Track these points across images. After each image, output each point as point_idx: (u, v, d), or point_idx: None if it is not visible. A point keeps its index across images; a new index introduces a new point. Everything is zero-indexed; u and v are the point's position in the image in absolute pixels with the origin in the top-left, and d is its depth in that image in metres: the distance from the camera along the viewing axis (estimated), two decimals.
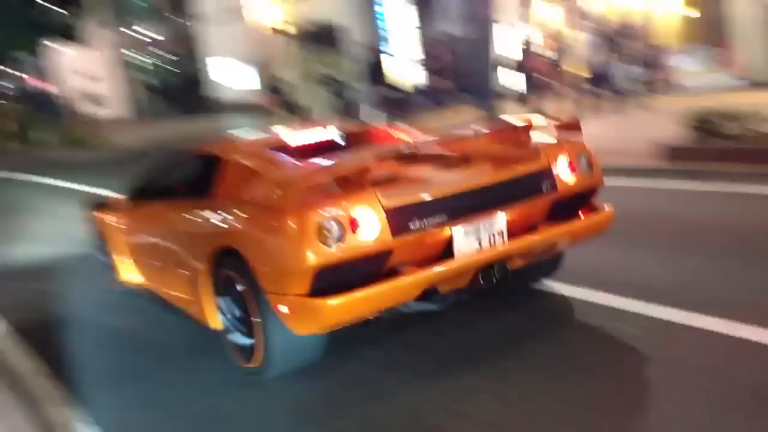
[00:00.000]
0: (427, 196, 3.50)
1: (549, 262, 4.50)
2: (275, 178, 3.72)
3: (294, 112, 18.51)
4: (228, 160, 4.21)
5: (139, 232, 5.14)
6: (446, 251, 3.57)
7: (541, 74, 14.08)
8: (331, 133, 4.67)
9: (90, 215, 6.01)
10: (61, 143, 24.38)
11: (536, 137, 4.16)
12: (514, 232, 3.75)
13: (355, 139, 4.61)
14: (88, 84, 36.46)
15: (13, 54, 27.37)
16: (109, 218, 5.65)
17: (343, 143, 4.56)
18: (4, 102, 36.30)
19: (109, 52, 34.67)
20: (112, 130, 27.33)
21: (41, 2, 22.96)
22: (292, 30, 24.48)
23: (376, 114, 15.61)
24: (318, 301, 3.23)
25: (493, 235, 3.67)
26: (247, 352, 3.83)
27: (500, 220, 3.68)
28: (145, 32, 33.89)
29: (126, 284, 5.55)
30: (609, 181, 4.46)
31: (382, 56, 15.97)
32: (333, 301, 3.22)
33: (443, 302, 3.97)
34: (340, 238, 3.22)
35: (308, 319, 3.33)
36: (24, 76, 37.53)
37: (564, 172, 3.96)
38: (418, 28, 17.74)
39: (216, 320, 4.08)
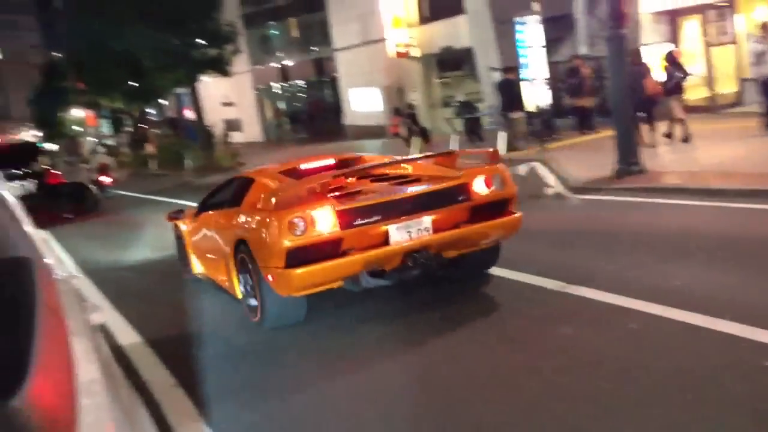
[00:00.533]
0: (368, 202, 5.10)
1: (489, 253, 5.92)
2: (271, 192, 5.29)
3: (423, 136, 18.45)
4: (252, 180, 6.02)
5: (199, 234, 6.76)
6: (384, 241, 5.08)
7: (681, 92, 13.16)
8: (325, 161, 6.57)
9: (170, 222, 7.69)
10: (202, 167, 25.74)
11: (463, 163, 5.91)
12: (439, 228, 5.24)
13: (341, 164, 6.49)
14: (229, 111, 38.49)
15: (168, 87, 29.47)
16: (182, 224, 7.42)
17: (333, 166, 6.45)
18: (158, 131, 39.09)
19: (250, 81, 36.41)
20: (249, 154, 28.55)
21: (199, 42, 24.59)
22: (424, 55, 24.65)
23: (511, 138, 15.22)
24: (290, 271, 4.80)
25: (420, 230, 5.16)
26: (254, 310, 5.45)
27: (426, 220, 5.18)
28: (283, 61, 35.33)
29: (195, 274, 7.16)
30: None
31: (518, 79, 15.56)
32: (299, 271, 4.80)
33: (392, 279, 5.16)
34: (305, 230, 4.78)
35: (284, 283, 4.90)
36: (173, 106, 40.26)
37: (480, 187, 5.42)
38: (551, 50, 17.22)
39: (239, 291, 5.70)
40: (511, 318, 5.02)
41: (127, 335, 5.68)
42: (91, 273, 8.59)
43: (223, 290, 6.34)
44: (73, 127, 57.47)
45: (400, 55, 24.99)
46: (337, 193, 5.30)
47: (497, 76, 17.70)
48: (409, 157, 6.14)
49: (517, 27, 14.38)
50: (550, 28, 16.40)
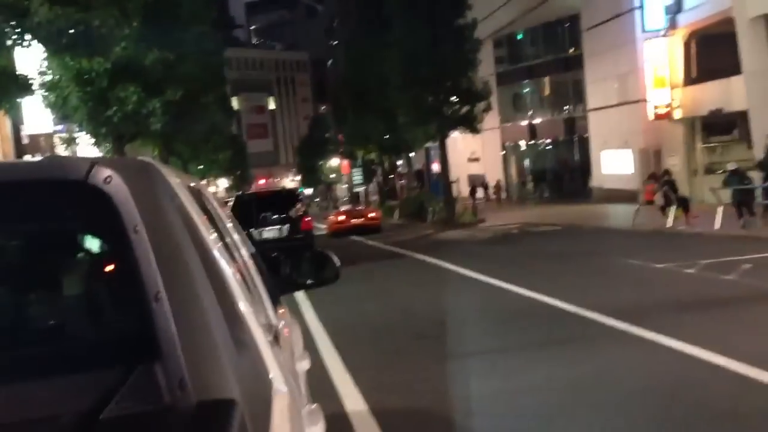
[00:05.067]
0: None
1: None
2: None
3: (683, 205, 16.83)
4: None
5: None
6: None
7: None
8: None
9: None
10: (443, 221, 26.03)
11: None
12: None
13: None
14: (474, 167, 38.90)
15: (423, 143, 30.67)
16: None
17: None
18: (405, 183, 40.70)
19: (498, 138, 36.54)
20: (491, 211, 28.41)
21: (452, 99, 25.36)
22: (687, 117, 22.84)
23: None
24: None
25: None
26: None
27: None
28: (532, 119, 35.02)
29: None
30: None
31: None
32: None
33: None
34: None
35: None
36: (425, 160, 41.70)
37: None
38: None
39: None
40: None
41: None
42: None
43: None
44: (330, 175, 62.00)
45: (659, 116, 23.38)
46: None
47: None
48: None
49: None
50: None
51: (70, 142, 18.15)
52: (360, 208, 32.42)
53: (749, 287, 8.78)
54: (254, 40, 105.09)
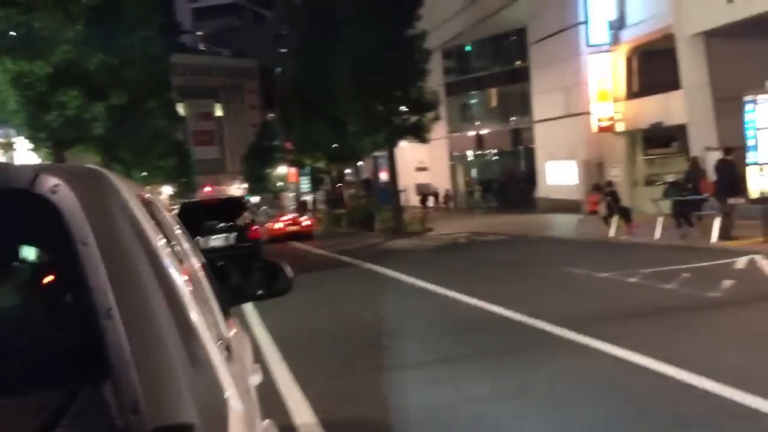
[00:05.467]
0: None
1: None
2: None
3: (624, 215, 17.24)
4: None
5: None
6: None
7: None
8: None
9: None
10: (391, 230, 26.07)
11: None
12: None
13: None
14: (421, 176, 39.13)
15: (371, 152, 30.68)
16: None
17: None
18: (353, 191, 40.65)
19: (444, 148, 36.84)
20: (438, 220, 28.60)
21: (402, 108, 25.49)
22: (629, 130, 23.42)
23: (726, 226, 13.72)
24: None
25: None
26: None
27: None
28: (479, 130, 35.44)
29: None
30: None
31: (735, 160, 14.10)
32: None
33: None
34: None
35: None
36: (373, 169, 41.75)
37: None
38: None
39: None
40: None
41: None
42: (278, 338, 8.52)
43: None
44: (277, 183, 61.52)
45: (602, 129, 23.91)
46: None
47: (714, 157, 16.21)
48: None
49: (747, 106, 13.02)
50: None
51: (6, 147, 17.54)
52: (295, 216, 33.14)
53: (688, 296, 9.02)
54: (201, 46, 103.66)
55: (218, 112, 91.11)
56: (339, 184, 42.95)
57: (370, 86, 24.54)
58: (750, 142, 13.30)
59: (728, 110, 17.08)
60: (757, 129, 12.99)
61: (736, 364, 5.81)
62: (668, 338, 6.90)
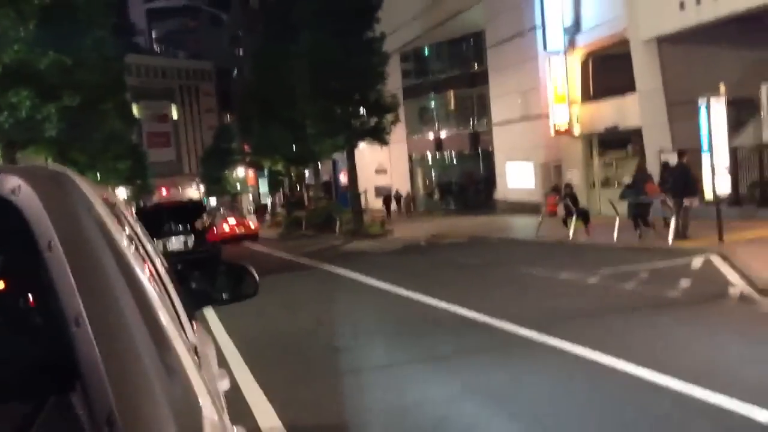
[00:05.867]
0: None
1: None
2: None
3: (583, 217, 17.48)
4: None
5: None
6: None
7: None
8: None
9: None
10: (351, 232, 26.02)
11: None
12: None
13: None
14: (382, 179, 39.15)
15: (326, 152, 30.54)
16: None
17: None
18: (307, 192, 40.47)
19: (403, 150, 36.92)
20: (398, 223, 28.63)
21: (362, 112, 25.46)
22: (586, 133, 23.77)
23: (681, 226, 14.01)
24: None
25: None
26: None
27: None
28: (438, 133, 35.62)
29: None
30: None
31: (689, 162, 14.42)
32: None
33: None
34: None
35: None
36: (332, 172, 41.63)
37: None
38: (734, 136, 15.98)
39: None
40: None
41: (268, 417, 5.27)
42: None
43: None
44: (236, 185, 60.93)
45: (559, 132, 24.24)
46: None
47: (669, 159, 16.56)
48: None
49: (700, 109, 13.31)
50: (733, 111, 15.17)
51: None
52: (242, 218, 33.32)
53: (647, 296, 9.17)
54: (156, 48, 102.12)
55: (174, 114, 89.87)
56: (298, 187, 42.71)
57: (328, 89, 24.46)
58: (703, 145, 13.59)
59: (681, 113, 17.47)
60: (710, 131, 13.28)
61: (695, 361, 5.92)
62: (628, 337, 7.01)
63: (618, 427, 4.67)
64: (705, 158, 13.64)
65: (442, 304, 9.49)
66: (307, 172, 43.36)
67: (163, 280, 2.09)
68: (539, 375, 5.97)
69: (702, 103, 13.23)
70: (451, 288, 11.03)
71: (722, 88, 13.22)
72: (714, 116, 13.16)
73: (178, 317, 1.96)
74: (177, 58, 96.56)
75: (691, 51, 18.26)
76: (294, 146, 32.66)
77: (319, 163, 37.65)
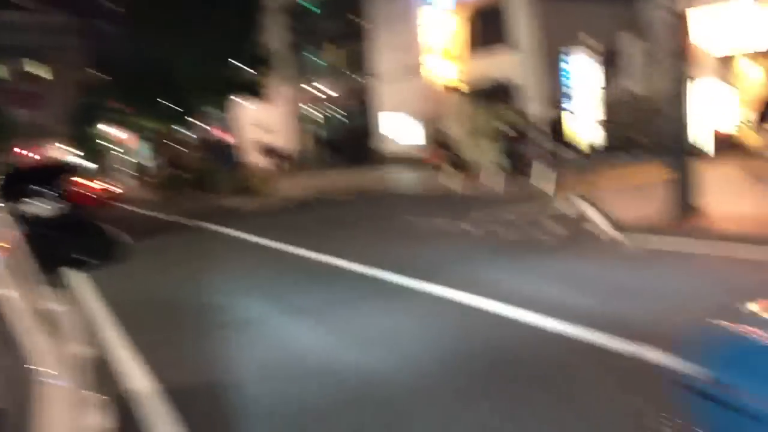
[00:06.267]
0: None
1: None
2: None
3: (460, 167, 17.81)
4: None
5: None
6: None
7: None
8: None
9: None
10: (232, 191, 25.34)
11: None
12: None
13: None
14: (263, 136, 38.35)
15: (204, 109, 29.42)
16: None
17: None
18: (187, 151, 39.06)
19: (285, 106, 36.25)
20: (283, 180, 28.18)
21: (236, 64, 24.55)
22: (465, 87, 24.12)
23: (549, 171, 14.53)
24: None
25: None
26: None
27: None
28: (321, 88, 35.16)
29: None
30: None
31: (562, 114, 14.92)
32: None
33: None
34: None
35: None
36: (208, 128, 40.25)
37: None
38: (602, 87, 16.64)
39: None
40: None
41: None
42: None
43: None
44: (110, 145, 58.08)
45: (442, 86, 24.47)
46: None
47: (546, 111, 17.06)
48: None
49: (568, 61, 13.73)
50: (603, 63, 15.79)
51: None
52: (110, 180, 31.87)
53: (521, 240, 9.48)
54: (24, 4, 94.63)
55: (41, 72, 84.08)
56: (177, 146, 41.13)
57: (203, 42, 23.45)
58: (575, 97, 14.06)
59: (557, 67, 18.02)
60: (581, 84, 13.74)
61: (557, 297, 6.25)
62: (503, 277, 7.23)
63: (484, 359, 4.76)
64: (576, 109, 14.14)
65: (325, 257, 9.42)
66: (186, 131, 41.79)
67: (14, 246, 1.88)
68: (422, 320, 6.04)
69: (572, 56, 13.63)
70: (334, 242, 10.97)
71: (590, 41, 13.66)
72: (584, 69, 13.60)
73: (29, 284, 1.75)
74: (46, 14, 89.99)
75: (565, 5, 18.76)
76: (171, 104, 31.28)
77: (198, 120, 36.32)
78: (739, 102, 16.37)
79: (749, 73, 16.56)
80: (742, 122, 15.89)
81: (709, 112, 15.36)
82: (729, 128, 15.42)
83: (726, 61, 16.25)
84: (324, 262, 9.24)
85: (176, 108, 30.68)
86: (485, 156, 19.36)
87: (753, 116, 15.45)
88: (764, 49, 15.33)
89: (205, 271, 9.73)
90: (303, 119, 37.41)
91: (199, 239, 14.14)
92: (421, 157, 24.59)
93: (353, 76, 33.57)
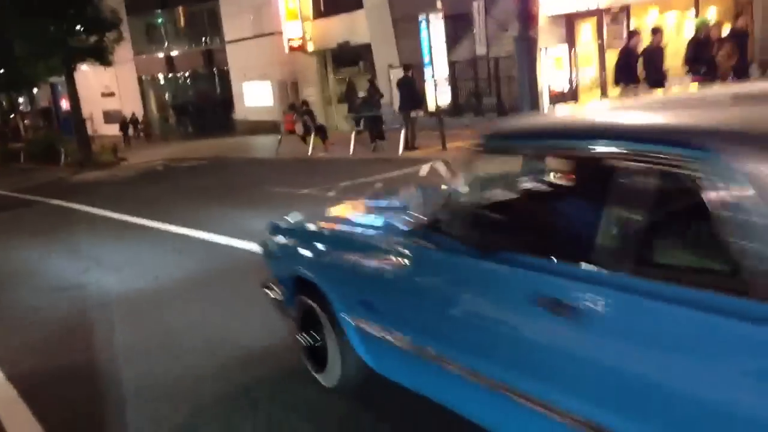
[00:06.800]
0: None
1: None
2: None
3: (316, 132, 17.77)
4: None
5: None
6: None
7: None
8: None
9: None
10: (79, 162, 23.91)
11: None
12: None
13: None
14: (110, 103, 36.32)
15: (47, 78, 27.32)
16: None
17: None
18: (28, 122, 36.32)
19: (133, 71, 34.46)
20: (132, 149, 26.92)
21: (78, 29, 22.88)
22: (319, 49, 23.93)
23: (409, 137, 14.83)
24: None
25: None
26: None
27: None
28: (169, 51, 33.64)
29: None
30: None
31: (413, 77, 15.19)
32: None
33: None
34: None
35: None
36: (52, 97, 37.56)
37: None
38: (453, 50, 17.07)
39: None
40: None
41: None
42: None
43: None
44: None
45: (293, 49, 24.15)
46: None
47: (396, 74, 17.30)
48: None
49: (420, 24, 13.99)
50: (451, 26, 16.16)
51: None
52: None
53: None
54: None
55: None
56: (12, 115, 38.08)
57: (37, 3, 21.68)
58: (425, 59, 14.37)
59: (406, 29, 18.25)
60: (431, 46, 14.05)
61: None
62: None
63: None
64: (427, 72, 14.47)
65: (174, 228, 9.32)
66: (21, 99, 38.80)
67: None
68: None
69: (422, 18, 13.90)
70: (187, 212, 10.75)
71: (439, 3, 13.97)
72: (433, 31, 13.91)
73: None
74: None
75: None
76: (2, 70, 28.80)
77: (34, 88, 33.75)
78: (576, 61, 17.36)
79: (586, 31, 17.57)
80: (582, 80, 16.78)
81: (547, 71, 16.16)
82: (562, 86, 16.36)
83: (561, 20, 17.10)
84: (174, 233, 9.13)
85: (10, 75, 28.33)
86: (341, 119, 19.43)
87: (598, 74, 16.53)
88: (595, 7, 16.26)
89: (51, 250, 9.20)
90: (151, 85, 35.73)
91: (40, 215, 13.31)
92: (275, 122, 24.29)
93: (203, 39, 32.37)
